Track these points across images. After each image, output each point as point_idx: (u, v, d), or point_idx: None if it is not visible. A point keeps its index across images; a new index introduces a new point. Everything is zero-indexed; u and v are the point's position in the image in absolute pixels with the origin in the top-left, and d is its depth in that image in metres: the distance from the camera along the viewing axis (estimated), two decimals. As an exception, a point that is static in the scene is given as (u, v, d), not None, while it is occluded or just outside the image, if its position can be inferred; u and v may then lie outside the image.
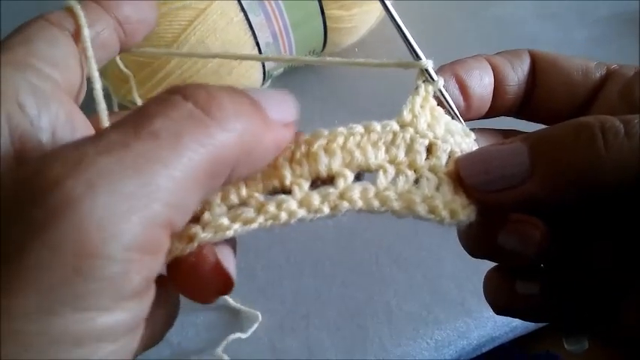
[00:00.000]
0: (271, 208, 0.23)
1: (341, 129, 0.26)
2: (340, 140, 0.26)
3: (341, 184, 0.25)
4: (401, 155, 0.26)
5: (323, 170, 0.25)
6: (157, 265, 0.19)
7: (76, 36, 0.27)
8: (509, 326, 0.54)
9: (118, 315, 0.18)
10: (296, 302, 0.54)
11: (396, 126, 0.26)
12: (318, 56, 0.67)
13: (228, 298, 0.53)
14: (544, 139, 0.24)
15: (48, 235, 0.17)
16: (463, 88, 0.29)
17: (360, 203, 0.24)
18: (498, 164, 0.25)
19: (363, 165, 0.25)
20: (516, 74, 0.30)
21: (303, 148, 0.25)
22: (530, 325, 0.55)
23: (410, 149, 0.26)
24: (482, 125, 0.31)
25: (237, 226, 0.23)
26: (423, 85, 0.27)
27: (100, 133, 0.19)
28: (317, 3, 0.59)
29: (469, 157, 0.26)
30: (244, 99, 0.22)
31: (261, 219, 0.23)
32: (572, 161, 0.23)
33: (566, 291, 0.27)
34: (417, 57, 0.28)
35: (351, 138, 0.26)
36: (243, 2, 0.57)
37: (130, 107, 0.61)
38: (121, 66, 0.56)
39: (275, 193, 0.25)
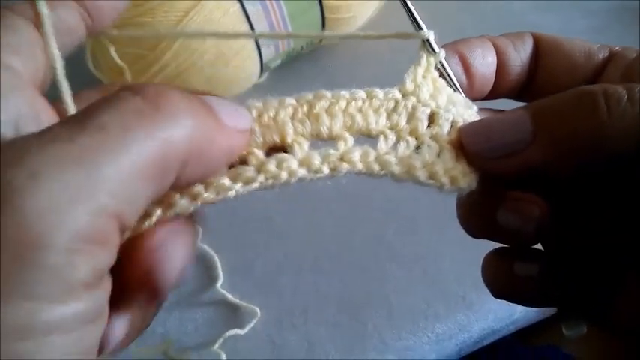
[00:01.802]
0: (271, 167, 0.24)
1: (343, 92, 0.26)
2: (342, 103, 0.26)
3: (341, 146, 0.25)
4: (402, 122, 0.26)
5: (324, 131, 0.25)
6: (106, 256, 0.19)
7: (38, 23, 0.26)
8: (510, 319, 0.54)
9: (67, 307, 0.18)
10: (295, 297, 0.53)
11: (398, 94, 0.27)
12: (312, 43, 0.66)
13: (227, 294, 0.53)
14: (546, 107, 0.24)
15: None
16: (466, 66, 0.29)
17: (359, 166, 0.24)
18: (501, 131, 0.25)
19: (363, 130, 0.26)
20: (519, 55, 0.30)
21: (305, 108, 0.26)
22: (531, 318, 0.54)
23: (412, 117, 0.26)
24: (484, 107, 0.31)
25: (238, 186, 0.23)
26: (425, 56, 0.28)
27: (47, 128, 0.19)
28: (315, -8, 0.58)
29: (471, 125, 0.26)
30: (196, 99, 0.22)
31: (261, 178, 0.23)
32: (574, 128, 0.23)
33: (564, 272, 0.27)
34: (419, 27, 0.28)
35: (353, 102, 0.26)
36: (239, -7, 0.56)
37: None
38: (116, 58, 0.55)
39: (273, 152, 0.25)
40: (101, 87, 0.30)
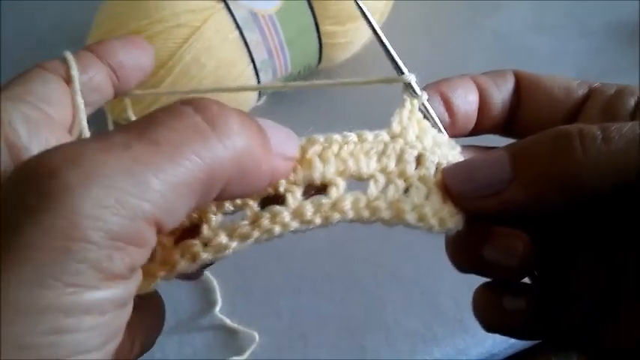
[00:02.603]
0: (265, 221, 0.24)
1: (336, 136, 0.26)
2: (335, 148, 0.26)
3: (333, 193, 0.25)
4: (391, 165, 0.27)
5: (317, 178, 0.25)
6: (141, 255, 0.21)
7: (69, 80, 0.30)
8: (508, 343, 0.54)
9: (104, 293, 0.20)
10: (293, 321, 0.53)
11: (386, 136, 0.27)
12: (310, 67, 0.67)
13: (225, 318, 0.53)
14: (524, 147, 0.26)
15: (41, 217, 0.18)
16: (448, 105, 0.30)
17: (351, 214, 0.25)
18: (482, 172, 0.26)
19: (355, 174, 0.26)
20: (501, 93, 0.30)
21: (298, 154, 0.26)
22: (528, 342, 0.54)
23: (400, 159, 0.27)
24: (468, 143, 0.31)
25: (235, 244, 0.24)
26: (408, 99, 0.28)
27: (104, 134, 0.21)
28: (312, 18, 0.59)
29: (454, 166, 0.27)
30: (252, 123, 0.23)
31: (256, 233, 0.24)
32: (551, 166, 0.24)
33: (552, 306, 0.28)
34: (401, 72, 0.29)
35: (345, 146, 0.26)
36: (237, 19, 0.56)
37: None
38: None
39: (268, 200, 0.25)
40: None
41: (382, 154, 0.27)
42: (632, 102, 0.28)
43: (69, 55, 0.31)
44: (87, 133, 0.30)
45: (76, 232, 0.18)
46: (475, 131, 0.31)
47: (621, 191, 0.23)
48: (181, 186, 0.20)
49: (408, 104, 0.28)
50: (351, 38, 0.62)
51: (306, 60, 0.62)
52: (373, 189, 0.26)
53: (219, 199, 0.23)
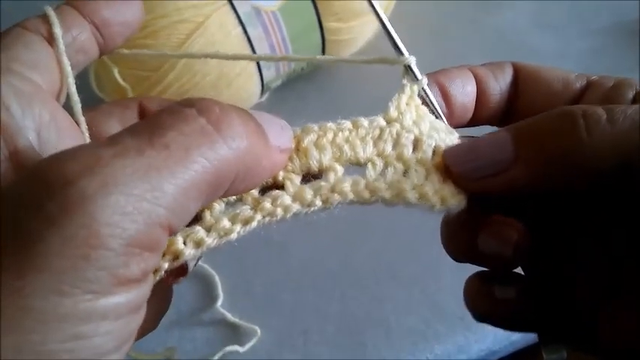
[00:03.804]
0: (267, 204, 0.24)
1: (330, 124, 0.27)
2: (330, 136, 0.27)
3: (332, 177, 0.26)
4: (388, 149, 0.27)
5: (314, 165, 0.26)
6: (154, 259, 0.21)
7: (52, 40, 0.28)
8: (509, 340, 0.54)
9: (119, 298, 0.20)
10: (295, 318, 0.54)
11: (382, 122, 0.27)
12: (312, 64, 0.67)
13: (227, 313, 0.53)
14: (527, 127, 0.25)
15: (61, 226, 0.18)
16: (445, 96, 0.29)
17: (351, 195, 0.25)
18: (483, 151, 0.26)
19: (352, 159, 0.26)
20: (498, 84, 0.30)
21: (293, 143, 0.26)
22: (529, 340, 0.54)
23: (397, 143, 0.27)
24: (466, 134, 0.31)
25: (238, 227, 0.24)
26: (408, 84, 0.28)
27: (116, 138, 0.21)
28: (315, 15, 0.59)
29: (455, 147, 0.27)
30: (251, 121, 0.23)
31: (258, 216, 0.24)
32: (554, 146, 0.24)
33: (542, 296, 0.28)
34: (401, 53, 0.28)
35: (340, 133, 0.27)
36: (241, 15, 0.56)
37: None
38: (119, 80, 0.57)
39: (267, 189, 0.26)
40: (119, 101, 0.32)
41: (378, 138, 0.27)
42: (630, 94, 0.28)
43: (50, 12, 0.28)
44: (76, 99, 0.28)
45: (96, 240, 0.19)
46: (472, 122, 0.31)
47: (624, 172, 0.23)
48: (191, 189, 0.21)
49: (407, 89, 0.28)
50: (354, 35, 0.62)
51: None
52: (371, 172, 0.26)
53: (224, 196, 0.24)
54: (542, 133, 0.24)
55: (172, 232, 0.21)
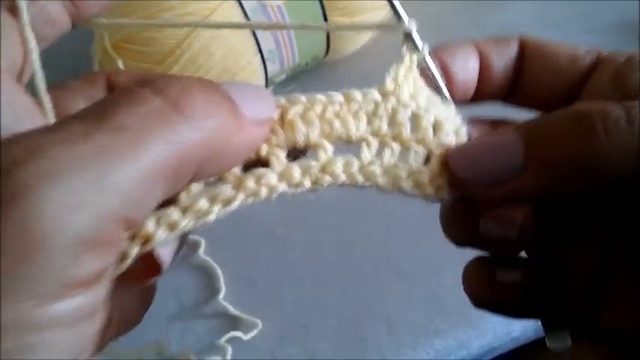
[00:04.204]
0: (250, 183, 0.22)
1: (319, 96, 0.24)
2: (318, 109, 0.24)
3: (322, 156, 0.24)
4: (384, 127, 0.25)
5: (300, 140, 0.24)
6: (109, 256, 0.19)
7: (15, 10, 0.25)
8: (510, 336, 0.54)
9: (70, 303, 0.17)
10: (296, 311, 0.54)
11: (377, 95, 0.25)
12: (317, 59, 0.67)
13: (229, 306, 0.53)
14: (538, 130, 0.23)
15: None
16: (446, 72, 0.28)
17: (342, 177, 0.23)
18: (490, 157, 0.24)
19: (343, 136, 0.24)
20: (502, 59, 0.29)
21: (276, 115, 0.24)
22: (530, 336, 0.55)
23: (393, 120, 0.25)
24: (470, 111, 0.30)
25: (217, 207, 0.22)
26: (408, 55, 0.26)
27: (61, 122, 0.19)
28: (320, 10, 0.59)
29: (458, 150, 0.25)
30: (218, 95, 0.21)
31: (241, 196, 0.22)
32: (570, 153, 0.22)
33: (547, 281, 0.26)
34: (400, 20, 0.26)
35: (330, 107, 0.24)
36: (246, 9, 0.56)
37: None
38: (123, 72, 0.56)
39: (250, 165, 0.23)
40: (85, 76, 0.29)
41: (373, 114, 0.25)
42: None
43: None
44: (40, 78, 0.25)
45: (33, 237, 0.16)
46: (475, 99, 0.29)
47: None
48: (150, 175, 0.19)
49: (407, 60, 0.26)
50: (359, 31, 0.62)
51: (313, 51, 0.62)
52: (366, 153, 0.24)
53: (196, 181, 0.22)
54: (556, 139, 0.22)
55: (132, 225, 0.19)
